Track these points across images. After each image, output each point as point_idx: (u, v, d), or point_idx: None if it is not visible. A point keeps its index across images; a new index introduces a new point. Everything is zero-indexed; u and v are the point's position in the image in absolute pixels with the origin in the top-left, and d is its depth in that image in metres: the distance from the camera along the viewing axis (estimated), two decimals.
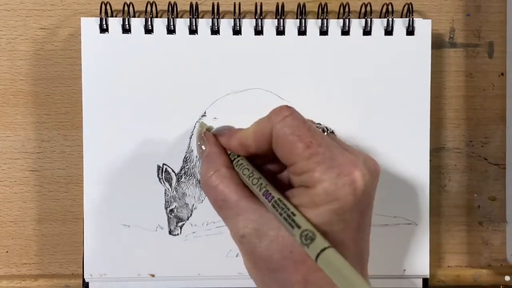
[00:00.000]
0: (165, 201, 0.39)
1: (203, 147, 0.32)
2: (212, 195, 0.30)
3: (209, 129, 0.35)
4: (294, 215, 0.27)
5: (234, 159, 0.31)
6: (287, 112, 0.28)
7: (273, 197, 0.28)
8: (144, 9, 0.38)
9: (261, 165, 0.32)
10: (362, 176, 0.27)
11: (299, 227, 0.26)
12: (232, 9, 0.38)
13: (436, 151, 0.41)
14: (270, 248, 0.27)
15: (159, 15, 0.39)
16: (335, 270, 0.24)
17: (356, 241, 0.28)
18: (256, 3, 0.38)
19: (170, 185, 0.38)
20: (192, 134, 0.38)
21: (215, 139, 0.32)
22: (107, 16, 0.38)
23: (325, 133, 0.30)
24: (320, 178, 0.26)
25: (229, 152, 0.32)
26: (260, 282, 0.29)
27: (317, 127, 0.31)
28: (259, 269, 0.28)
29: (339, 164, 0.27)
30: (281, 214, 0.27)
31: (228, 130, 0.32)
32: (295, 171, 0.28)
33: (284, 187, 0.30)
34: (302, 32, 0.38)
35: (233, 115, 0.38)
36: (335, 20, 0.39)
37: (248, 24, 0.38)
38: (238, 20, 0.38)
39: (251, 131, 0.30)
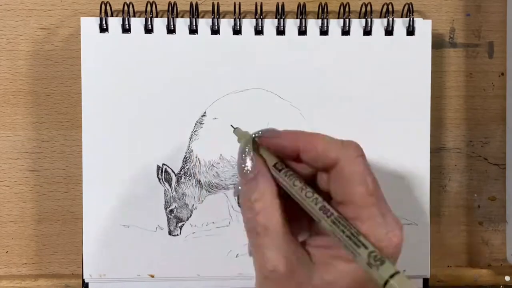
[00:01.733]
0: (165, 202, 0.39)
1: (250, 167, 0.29)
2: (252, 219, 0.28)
3: (254, 142, 0.30)
4: (359, 234, 0.25)
5: (281, 169, 0.29)
6: (361, 152, 0.27)
7: (332, 213, 0.26)
8: (144, 9, 0.38)
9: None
10: (402, 241, 0.27)
11: (366, 247, 0.25)
12: (232, 9, 0.38)
13: (436, 151, 0.41)
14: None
15: (159, 15, 0.39)
16: None
17: None
18: (256, 3, 0.38)
19: (170, 185, 0.38)
20: (192, 134, 0.38)
21: (263, 160, 0.29)
22: (107, 16, 0.38)
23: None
24: (369, 232, 0.26)
25: (274, 162, 0.29)
26: None
27: None
28: None
29: (389, 224, 0.26)
30: (343, 232, 0.26)
31: (275, 131, 0.30)
32: (346, 212, 0.27)
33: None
34: (302, 32, 0.38)
35: (233, 115, 0.38)
36: (335, 20, 0.38)
37: (248, 24, 0.38)
38: (238, 20, 0.38)
39: (316, 142, 0.28)
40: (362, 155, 0.27)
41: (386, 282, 0.24)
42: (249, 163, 0.29)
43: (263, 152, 0.29)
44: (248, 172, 0.29)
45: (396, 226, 0.27)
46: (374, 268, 0.24)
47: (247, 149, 0.29)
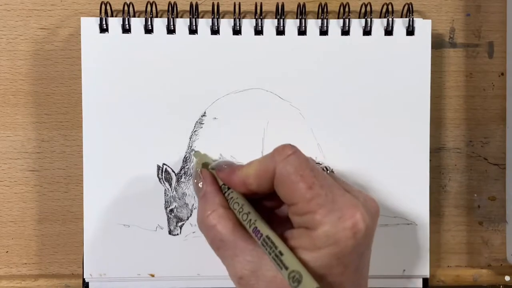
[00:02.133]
0: (165, 201, 0.39)
1: (200, 185, 0.32)
2: (209, 235, 0.30)
3: (205, 164, 0.35)
4: (282, 254, 0.26)
5: (225, 192, 0.31)
6: (290, 150, 0.28)
7: (261, 234, 0.28)
8: (144, 9, 0.38)
9: (260, 200, 0.31)
10: (363, 219, 0.27)
11: (286, 268, 0.26)
12: (232, 9, 0.38)
13: (436, 151, 0.41)
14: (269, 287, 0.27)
15: (159, 15, 0.39)
16: None
17: (355, 282, 0.28)
18: (256, 3, 0.38)
19: (170, 185, 0.38)
20: (192, 134, 0.38)
21: (212, 178, 0.32)
22: (107, 16, 0.38)
23: (327, 172, 0.30)
24: (321, 221, 0.26)
25: (220, 184, 0.32)
26: None
27: (319, 163, 0.31)
28: None
29: (340, 207, 0.27)
30: (270, 253, 0.27)
31: (228, 167, 0.32)
32: (296, 212, 0.28)
33: (282, 222, 0.30)
34: (302, 32, 0.38)
35: (233, 115, 0.38)
36: (335, 20, 0.38)
37: (248, 24, 0.38)
38: (238, 20, 0.38)
39: (253, 169, 0.30)
40: (292, 153, 0.28)
41: None
42: (200, 182, 0.32)
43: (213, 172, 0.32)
44: (199, 187, 0.32)
45: (351, 206, 0.27)
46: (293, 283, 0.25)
47: (198, 170, 0.33)
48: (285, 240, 0.28)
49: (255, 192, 0.30)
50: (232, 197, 0.30)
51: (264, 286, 0.27)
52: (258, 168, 0.30)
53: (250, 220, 0.29)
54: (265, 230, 0.28)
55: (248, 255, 0.28)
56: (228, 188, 0.31)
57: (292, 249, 0.27)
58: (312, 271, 0.26)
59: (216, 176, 0.33)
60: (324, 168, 0.31)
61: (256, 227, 0.28)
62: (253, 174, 0.30)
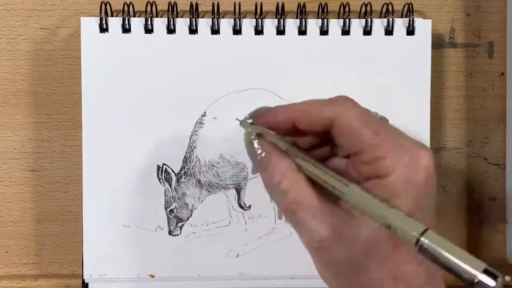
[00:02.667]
0: (165, 201, 0.39)
1: (262, 154, 0.29)
2: (284, 201, 0.28)
3: (257, 134, 0.30)
4: (386, 201, 0.25)
5: (292, 155, 0.29)
6: (351, 102, 0.28)
7: (347, 185, 0.26)
8: (144, 9, 0.38)
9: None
10: (432, 160, 0.26)
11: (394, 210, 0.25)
12: (232, 9, 0.38)
13: (436, 151, 0.41)
14: (353, 250, 0.26)
15: (159, 15, 0.39)
16: (441, 252, 0.23)
17: (433, 224, 0.27)
18: (256, 3, 0.38)
19: (170, 185, 0.38)
20: (192, 134, 0.38)
21: (271, 144, 0.29)
22: (107, 16, 0.38)
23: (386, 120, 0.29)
24: (394, 165, 0.26)
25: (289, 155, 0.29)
26: None
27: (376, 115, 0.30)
28: (342, 275, 0.27)
29: (410, 150, 0.26)
30: (372, 199, 0.25)
31: (268, 108, 0.30)
32: (364, 160, 0.27)
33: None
34: (302, 32, 0.38)
35: (233, 115, 0.38)
36: (335, 20, 0.38)
37: (248, 24, 0.38)
38: (238, 20, 0.38)
39: (309, 111, 0.28)
40: (353, 104, 0.27)
41: (417, 242, 0.23)
42: (259, 151, 0.29)
43: (270, 138, 0.29)
44: (261, 158, 0.29)
45: (418, 147, 0.26)
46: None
47: (252, 138, 0.30)
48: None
49: (299, 133, 0.29)
50: (307, 160, 0.28)
51: (347, 248, 0.26)
52: (313, 111, 0.28)
53: (329, 173, 0.27)
54: (351, 183, 0.26)
55: (327, 216, 0.27)
56: (299, 155, 0.29)
57: None
58: None
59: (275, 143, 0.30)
60: (382, 118, 0.30)
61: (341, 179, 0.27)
62: (307, 116, 0.28)
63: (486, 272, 0.21)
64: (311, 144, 0.30)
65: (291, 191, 0.28)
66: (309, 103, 0.29)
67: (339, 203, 0.28)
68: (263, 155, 0.29)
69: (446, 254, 0.23)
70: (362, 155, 0.27)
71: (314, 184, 0.28)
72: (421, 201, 0.26)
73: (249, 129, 0.30)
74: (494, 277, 0.21)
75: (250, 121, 0.30)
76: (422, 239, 0.23)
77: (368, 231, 0.26)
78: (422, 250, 0.23)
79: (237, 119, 0.31)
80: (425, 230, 0.23)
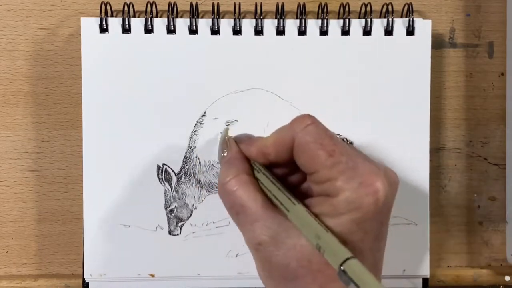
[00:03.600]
0: (165, 201, 0.39)
1: (225, 152, 0.32)
2: (229, 200, 0.29)
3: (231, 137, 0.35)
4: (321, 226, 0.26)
5: (254, 168, 0.31)
6: (309, 120, 0.28)
7: (294, 203, 0.28)
8: (144, 9, 0.38)
9: (280, 176, 0.31)
10: (383, 186, 0.27)
11: (319, 237, 0.26)
12: (232, 9, 0.38)
13: (436, 151, 0.41)
14: (288, 257, 0.27)
15: (159, 15, 0.39)
16: (359, 281, 0.24)
17: (374, 251, 0.28)
18: (256, 3, 0.38)
19: (170, 185, 0.38)
20: (192, 134, 0.38)
21: (238, 147, 0.32)
22: (107, 16, 0.38)
23: (348, 142, 0.30)
24: (342, 187, 0.26)
25: (251, 162, 0.31)
26: None
27: (338, 134, 0.31)
28: (274, 278, 0.28)
29: (361, 174, 0.27)
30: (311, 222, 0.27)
31: (247, 138, 0.32)
32: (317, 180, 0.28)
33: (302, 198, 0.29)
34: (302, 32, 0.38)
35: (233, 115, 0.38)
36: (335, 20, 0.38)
37: (248, 24, 0.38)
38: (238, 20, 0.38)
39: (272, 139, 0.30)
40: (311, 123, 0.28)
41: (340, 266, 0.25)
42: (225, 149, 0.32)
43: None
44: (224, 154, 0.32)
45: (371, 173, 0.27)
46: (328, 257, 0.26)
47: (225, 136, 0.33)
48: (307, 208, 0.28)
49: (274, 162, 0.30)
50: (263, 173, 0.30)
51: (283, 253, 0.27)
52: (276, 138, 0.29)
53: (283, 193, 0.29)
54: (297, 201, 0.28)
55: (268, 222, 0.28)
56: (259, 165, 0.31)
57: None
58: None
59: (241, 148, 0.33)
60: (344, 140, 0.30)
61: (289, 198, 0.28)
62: (272, 143, 0.30)
63: None
64: (287, 172, 0.31)
65: (237, 192, 0.29)
66: (273, 133, 0.30)
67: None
68: (225, 153, 0.32)
69: (362, 285, 0.24)
70: (316, 175, 0.28)
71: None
72: (364, 225, 0.27)
73: (224, 129, 0.34)
74: None
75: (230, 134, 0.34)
76: (342, 267, 0.25)
77: (305, 242, 0.27)
78: (342, 276, 0.25)
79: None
80: (348, 259, 0.25)
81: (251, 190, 0.29)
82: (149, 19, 0.38)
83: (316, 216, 0.27)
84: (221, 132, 0.37)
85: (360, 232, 0.27)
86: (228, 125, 0.38)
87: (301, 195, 0.31)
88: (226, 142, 0.33)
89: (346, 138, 0.31)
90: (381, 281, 0.29)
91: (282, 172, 0.31)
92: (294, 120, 0.29)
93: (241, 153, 0.31)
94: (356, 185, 0.26)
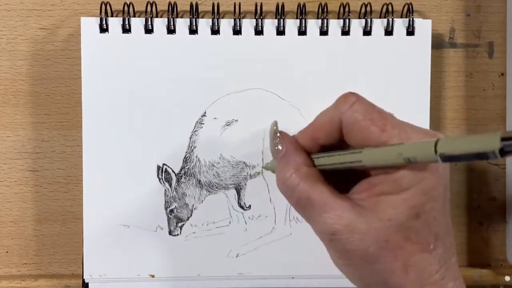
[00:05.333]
0: (165, 202, 0.39)
1: (279, 147, 0.30)
2: (294, 195, 0.28)
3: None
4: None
5: (313, 157, 0.30)
6: (353, 98, 0.28)
7: (360, 151, 0.27)
8: (144, 9, 0.38)
9: None
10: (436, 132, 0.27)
11: (401, 154, 0.25)
12: (232, 9, 0.38)
13: None
14: (365, 242, 0.26)
15: (159, 15, 0.39)
16: (460, 145, 0.23)
17: (445, 216, 0.28)
18: (256, 3, 0.38)
19: (170, 185, 0.38)
20: (192, 134, 0.38)
21: (291, 137, 0.31)
22: (107, 16, 0.38)
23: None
24: None
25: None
26: (358, 276, 0.28)
27: None
28: (355, 264, 0.28)
29: (416, 130, 0.27)
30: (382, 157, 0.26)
31: (290, 138, 0.31)
32: None
33: (358, 180, 0.29)
34: (302, 32, 0.38)
35: (233, 115, 0.38)
36: (335, 20, 0.38)
37: (248, 24, 0.38)
38: (238, 20, 0.38)
39: (319, 123, 0.29)
40: (356, 100, 0.28)
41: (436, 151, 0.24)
42: (278, 143, 0.30)
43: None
44: (279, 150, 0.30)
45: (425, 137, 0.26)
46: (420, 159, 0.24)
47: (274, 129, 0.31)
48: (367, 189, 0.27)
49: (325, 145, 0.30)
50: (324, 156, 0.29)
51: (360, 239, 0.27)
52: (323, 121, 0.29)
53: (342, 154, 0.28)
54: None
55: (339, 210, 0.27)
56: (318, 157, 0.30)
57: (379, 195, 0.27)
58: (405, 212, 0.26)
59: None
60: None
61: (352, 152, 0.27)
62: (320, 127, 0.29)
63: (504, 139, 0.21)
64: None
65: (301, 186, 0.28)
66: (318, 117, 0.29)
67: (350, 197, 0.28)
68: (279, 147, 0.30)
69: (464, 148, 0.23)
70: None
71: (328, 178, 0.29)
72: (432, 193, 0.27)
73: (273, 123, 0.31)
74: None
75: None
76: (438, 153, 0.23)
77: (379, 223, 0.26)
78: (446, 159, 0.23)
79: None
80: (437, 141, 0.24)
81: (315, 181, 0.28)
82: (149, 19, 0.38)
83: (380, 195, 0.27)
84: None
85: (430, 201, 0.26)
86: (228, 125, 0.38)
87: (357, 176, 0.30)
88: (278, 135, 0.31)
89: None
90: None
91: None
92: (339, 100, 0.28)
93: (296, 144, 0.30)
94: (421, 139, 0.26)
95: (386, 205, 0.26)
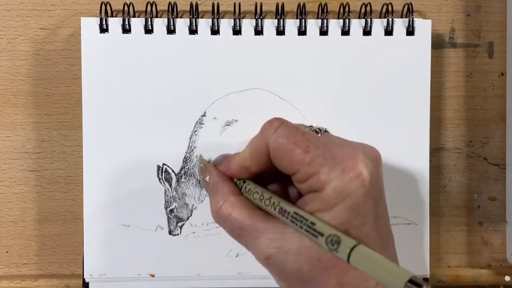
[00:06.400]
0: (165, 201, 0.39)
1: (207, 179, 0.32)
2: (227, 225, 0.29)
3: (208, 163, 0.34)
4: (314, 224, 0.26)
5: (241, 186, 0.31)
6: (277, 123, 0.28)
7: (288, 212, 0.28)
8: (144, 9, 0.38)
9: (267, 185, 0.31)
10: (366, 166, 0.27)
11: (322, 234, 0.26)
12: (232, 9, 0.38)
13: (436, 151, 0.41)
14: (298, 262, 0.27)
15: (159, 15, 0.39)
16: (370, 265, 0.24)
17: (378, 230, 0.28)
18: (256, 3, 0.38)
19: (170, 185, 0.38)
20: (192, 134, 0.38)
21: (217, 169, 0.32)
22: (107, 16, 0.38)
23: (320, 133, 0.30)
24: (326, 179, 0.26)
25: (235, 181, 0.32)
26: None
27: (310, 129, 0.31)
28: (293, 285, 0.28)
29: (341, 161, 0.27)
30: (301, 227, 0.27)
31: (224, 158, 0.32)
32: (300, 179, 0.28)
33: (294, 200, 0.30)
34: (302, 32, 0.38)
35: (233, 115, 0.38)
36: (335, 20, 0.38)
37: (248, 24, 0.38)
38: (238, 20, 0.38)
39: (248, 151, 0.30)
40: (280, 124, 0.28)
41: (349, 257, 0.25)
42: (206, 176, 0.32)
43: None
44: (207, 181, 0.32)
45: (349, 157, 0.27)
46: (334, 252, 0.25)
47: (201, 165, 0.33)
48: (301, 210, 0.28)
49: (256, 173, 0.30)
50: (250, 188, 0.30)
51: (293, 260, 0.27)
52: (251, 149, 0.30)
53: (274, 203, 0.29)
54: (291, 207, 0.28)
55: (269, 234, 0.28)
56: (244, 181, 0.31)
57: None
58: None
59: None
60: (317, 130, 0.30)
61: (282, 207, 0.28)
62: (248, 155, 0.30)
63: (411, 282, 0.22)
64: (273, 179, 0.31)
65: (233, 215, 0.29)
66: (247, 146, 0.30)
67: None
68: (207, 179, 0.32)
69: (374, 267, 0.24)
70: (298, 175, 0.28)
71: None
72: (359, 209, 0.27)
73: (200, 158, 0.34)
74: (419, 286, 0.22)
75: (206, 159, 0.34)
76: (352, 255, 0.25)
77: (310, 242, 0.27)
78: (353, 263, 0.25)
79: (197, 155, 0.37)
80: (355, 246, 0.25)
81: (244, 208, 0.29)
82: (149, 19, 0.38)
83: (311, 214, 0.27)
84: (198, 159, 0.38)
85: (358, 217, 0.27)
86: (228, 125, 0.38)
87: (293, 197, 0.31)
88: (204, 169, 0.32)
89: (319, 128, 0.30)
90: (396, 254, 0.29)
91: (267, 180, 0.31)
92: (264, 126, 0.29)
93: (222, 175, 0.31)
94: (339, 173, 0.26)
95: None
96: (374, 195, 0.28)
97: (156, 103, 0.38)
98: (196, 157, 0.38)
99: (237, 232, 0.29)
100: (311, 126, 0.31)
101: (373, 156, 0.28)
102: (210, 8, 0.38)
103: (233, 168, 0.31)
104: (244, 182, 0.31)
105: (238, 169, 0.31)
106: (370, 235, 0.27)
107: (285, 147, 0.28)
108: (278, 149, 0.28)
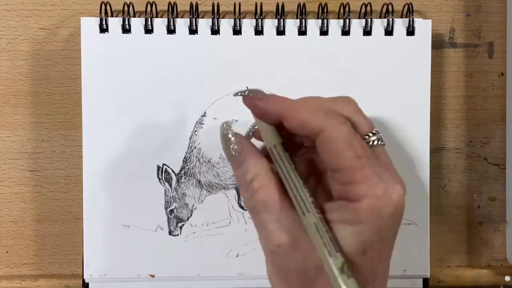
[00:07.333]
0: (165, 202, 0.39)
1: (236, 150, 0.29)
2: (252, 200, 0.28)
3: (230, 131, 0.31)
4: (335, 242, 0.26)
5: (272, 155, 0.29)
6: (343, 120, 0.27)
7: (318, 212, 0.27)
8: (144, 9, 0.38)
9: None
10: (402, 196, 0.26)
11: (338, 252, 0.25)
12: (232, 9, 0.38)
13: (436, 151, 0.41)
14: (305, 261, 0.26)
15: (159, 15, 0.39)
16: None
17: (387, 260, 0.28)
18: (256, 3, 0.38)
19: (170, 185, 0.38)
20: (192, 134, 0.38)
21: (250, 141, 0.30)
22: (107, 16, 0.38)
23: (379, 142, 0.29)
24: (366, 193, 0.26)
25: (268, 147, 0.29)
26: None
27: (374, 132, 0.29)
28: (291, 284, 0.27)
29: (386, 181, 0.26)
30: (321, 237, 0.26)
31: (263, 93, 0.29)
32: (339, 179, 0.27)
33: (317, 183, 0.29)
34: (302, 32, 0.38)
35: (233, 115, 0.38)
36: (335, 20, 0.38)
37: (248, 24, 0.38)
38: (238, 20, 0.38)
39: (300, 111, 0.27)
40: (345, 122, 0.27)
41: None
42: (235, 147, 0.29)
43: (262, 132, 0.29)
44: (236, 155, 0.29)
45: (395, 181, 0.26)
46: (343, 276, 0.25)
47: (229, 134, 0.30)
48: (324, 212, 0.27)
49: (285, 129, 0.28)
50: (289, 160, 0.28)
51: (302, 259, 0.26)
52: (304, 113, 0.27)
53: (302, 196, 0.27)
54: (317, 213, 0.27)
55: (291, 223, 0.27)
56: (278, 154, 0.29)
57: (332, 222, 0.26)
58: (353, 245, 0.26)
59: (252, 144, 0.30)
60: (380, 138, 0.29)
61: (308, 206, 0.27)
62: (298, 114, 0.27)
63: None
64: (300, 143, 0.30)
65: (260, 191, 0.28)
66: (302, 105, 0.28)
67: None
68: (238, 152, 0.29)
69: None
70: (339, 174, 0.27)
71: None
72: (383, 234, 0.26)
73: (225, 125, 0.30)
74: None
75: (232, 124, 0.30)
76: None
77: None
78: None
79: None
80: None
81: (272, 189, 0.28)
82: (149, 19, 0.38)
83: (335, 222, 0.26)
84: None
85: (380, 241, 0.26)
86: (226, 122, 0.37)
87: (316, 178, 0.30)
88: (236, 139, 0.29)
89: (381, 138, 0.29)
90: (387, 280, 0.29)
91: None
92: (330, 113, 0.27)
93: (254, 148, 0.29)
94: (380, 193, 0.26)
95: (337, 232, 0.26)
96: (397, 225, 0.27)
97: (156, 103, 0.38)
98: (196, 157, 0.38)
99: (258, 209, 0.28)
100: (377, 131, 0.29)
101: (404, 190, 0.28)
102: (210, 8, 0.38)
103: (278, 107, 0.28)
104: (279, 154, 0.29)
105: (279, 112, 0.28)
106: (381, 262, 0.27)
107: (339, 142, 0.26)
108: (333, 140, 0.26)
